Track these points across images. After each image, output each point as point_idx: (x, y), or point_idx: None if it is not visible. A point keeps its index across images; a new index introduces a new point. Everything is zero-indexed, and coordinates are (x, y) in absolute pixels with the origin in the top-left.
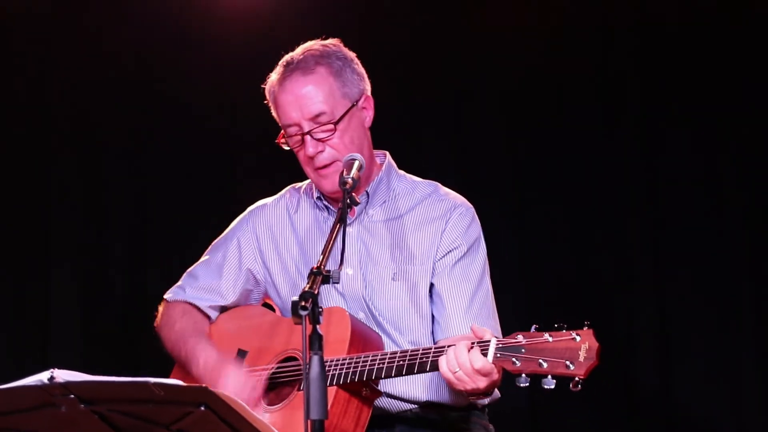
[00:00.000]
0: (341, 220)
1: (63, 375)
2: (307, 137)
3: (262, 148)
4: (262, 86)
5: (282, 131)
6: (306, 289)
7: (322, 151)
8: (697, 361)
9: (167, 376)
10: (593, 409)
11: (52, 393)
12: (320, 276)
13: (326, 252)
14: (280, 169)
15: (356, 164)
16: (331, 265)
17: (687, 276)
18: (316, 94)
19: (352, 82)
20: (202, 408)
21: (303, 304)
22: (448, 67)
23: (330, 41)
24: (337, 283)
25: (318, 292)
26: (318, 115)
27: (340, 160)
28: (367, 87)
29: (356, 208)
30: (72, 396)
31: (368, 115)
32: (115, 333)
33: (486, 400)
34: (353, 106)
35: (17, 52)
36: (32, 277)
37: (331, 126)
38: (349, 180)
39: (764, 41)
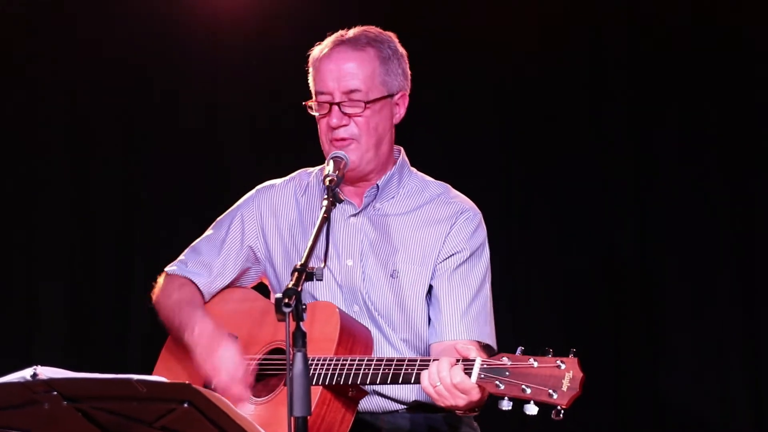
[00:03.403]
0: (326, 217)
1: (46, 372)
2: (335, 107)
3: (250, 147)
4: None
5: (313, 97)
6: (290, 285)
7: (345, 125)
8: (687, 361)
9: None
10: (583, 408)
11: (35, 390)
12: (304, 273)
13: (311, 248)
14: (269, 167)
15: (342, 163)
16: (317, 262)
17: (674, 272)
18: (357, 71)
19: (395, 74)
20: (186, 405)
21: (286, 301)
22: (440, 66)
23: (388, 32)
24: (320, 280)
25: (301, 289)
26: (352, 91)
27: (358, 139)
28: (408, 87)
29: (364, 200)
30: (55, 393)
31: (399, 113)
32: (101, 334)
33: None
34: (389, 96)
35: (8, 51)
36: (17, 278)
37: (362, 104)
38: (333, 176)
39: (756, 43)
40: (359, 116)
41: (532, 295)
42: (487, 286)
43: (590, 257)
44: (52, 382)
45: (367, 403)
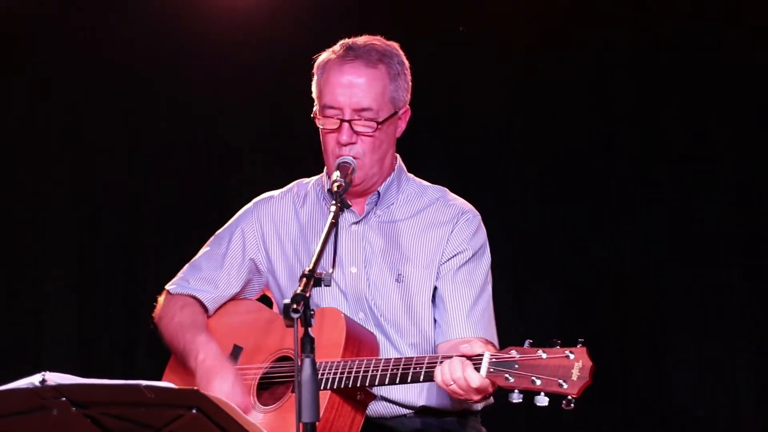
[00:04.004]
0: (334, 223)
1: (55, 378)
2: (345, 125)
3: (256, 151)
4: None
5: (316, 107)
6: (298, 291)
7: (353, 143)
8: (691, 361)
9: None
10: (588, 409)
11: (43, 396)
12: (312, 278)
13: (319, 253)
14: (273, 171)
15: (349, 168)
16: (325, 266)
17: (680, 276)
18: (370, 89)
19: (401, 89)
20: (194, 411)
21: (294, 306)
22: (441, 66)
23: (392, 42)
24: (329, 285)
25: (310, 294)
26: (363, 110)
27: (362, 158)
28: (409, 99)
29: (365, 207)
30: (64, 399)
31: (401, 127)
32: (110, 341)
33: (479, 405)
34: (395, 113)
35: (11, 52)
36: (27, 279)
37: (374, 124)
38: (341, 181)
39: (757, 46)
40: (369, 136)
41: (535, 297)
42: (489, 287)
43: (594, 258)
44: (60, 388)
45: (375, 408)
